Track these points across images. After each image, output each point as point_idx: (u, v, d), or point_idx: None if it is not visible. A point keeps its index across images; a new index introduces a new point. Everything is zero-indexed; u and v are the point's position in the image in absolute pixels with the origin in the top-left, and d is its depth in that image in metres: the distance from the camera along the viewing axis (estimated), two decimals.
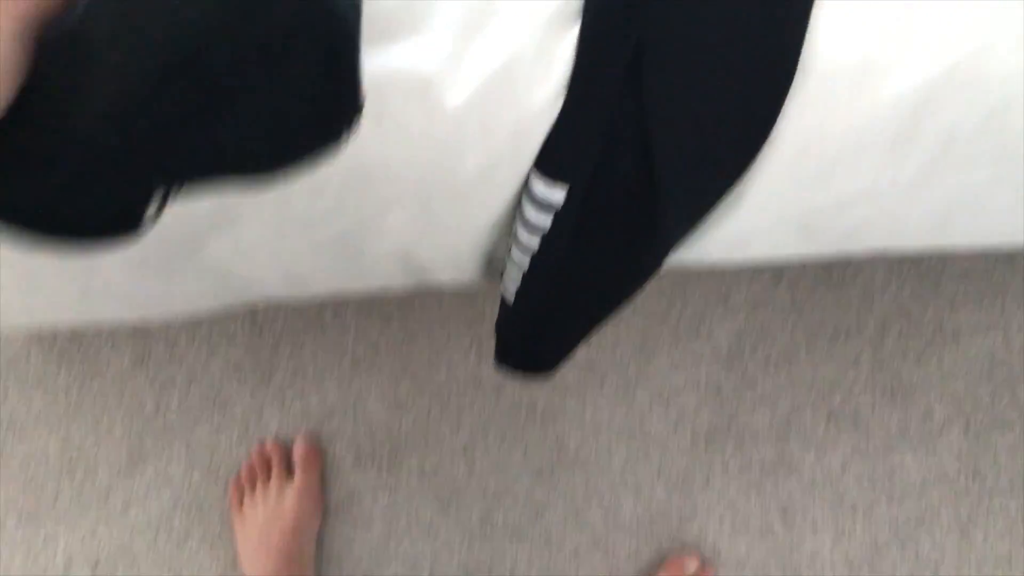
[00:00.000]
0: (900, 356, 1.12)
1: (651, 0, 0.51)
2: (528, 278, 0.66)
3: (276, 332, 1.12)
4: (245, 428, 1.12)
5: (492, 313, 1.08)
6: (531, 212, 0.61)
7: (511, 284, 0.69)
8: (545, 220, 0.61)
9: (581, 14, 0.53)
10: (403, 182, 0.58)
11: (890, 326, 1.12)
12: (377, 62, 0.52)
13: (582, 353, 1.11)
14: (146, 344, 1.13)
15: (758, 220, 0.64)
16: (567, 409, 1.11)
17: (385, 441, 1.12)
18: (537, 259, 0.64)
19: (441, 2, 0.52)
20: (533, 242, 0.63)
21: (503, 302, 0.72)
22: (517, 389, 1.11)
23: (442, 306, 1.12)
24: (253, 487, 1.07)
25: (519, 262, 0.66)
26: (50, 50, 0.32)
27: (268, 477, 1.07)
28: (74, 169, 0.37)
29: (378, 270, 0.72)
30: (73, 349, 1.12)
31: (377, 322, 1.12)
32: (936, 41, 0.53)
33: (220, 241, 0.63)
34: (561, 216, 0.60)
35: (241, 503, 1.07)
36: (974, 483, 1.09)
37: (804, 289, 1.12)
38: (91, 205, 0.40)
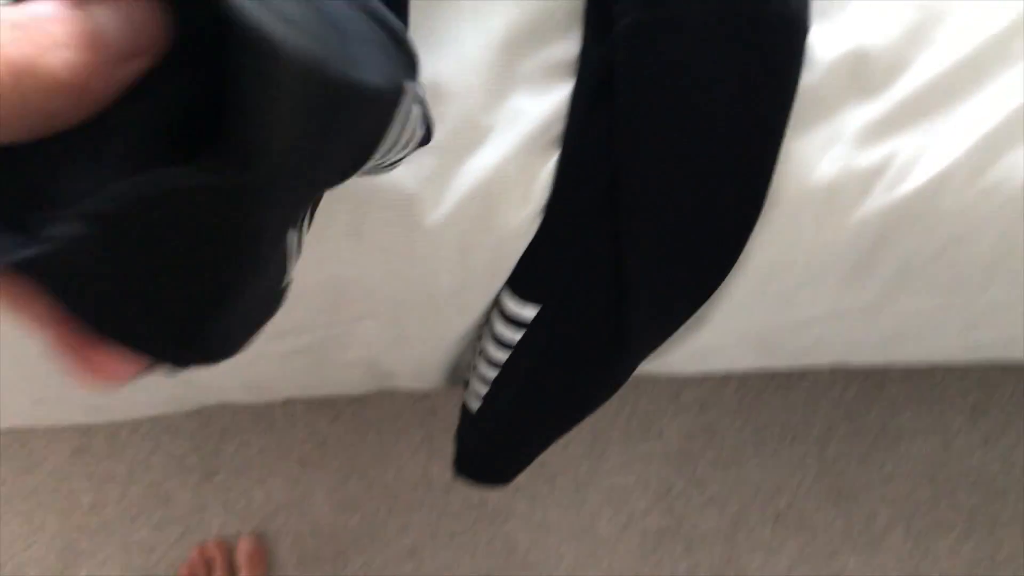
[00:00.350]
0: (844, 458, 1.14)
1: (628, 132, 0.53)
2: (494, 390, 0.66)
3: (222, 427, 1.09)
4: (186, 527, 1.07)
5: (444, 410, 1.08)
6: (501, 328, 0.61)
7: (475, 395, 0.68)
8: (514, 336, 0.61)
9: (561, 141, 0.54)
10: (377, 296, 0.58)
11: (835, 428, 1.14)
12: (359, 181, 0.52)
13: None
14: (86, 437, 1.08)
15: (720, 338, 0.65)
16: (517, 510, 1.10)
17: (331, 541, 1.08)
18: (504, 372, 0.64)
19: None
20: (501, 356, 0.63)
21: (465, 411, 0.72)
22: (467, 489, 1.10)
23: (393, 402, 1.11)
24: None
25: (484, 374, 0.66)
26: None
27: None
28: None
29: (342, 378, 0.71)
30: (7, 442, 1.07)
31: (327, 418, 1.10)
32: (894, 175, 0.56)
33: None
34: (531, 333, 0.61)
35: None
36: None
37: (752, 390, 1.14)
38: None
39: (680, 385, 1.14)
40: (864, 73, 0.55)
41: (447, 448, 1.09)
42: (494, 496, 1.10)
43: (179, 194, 0.25)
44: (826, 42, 0.54)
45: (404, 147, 0.40)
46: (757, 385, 1.14)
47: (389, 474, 1.10)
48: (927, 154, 0.55)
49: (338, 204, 0.52)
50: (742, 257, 0.57)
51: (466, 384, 0.71)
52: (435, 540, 1.09)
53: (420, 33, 0.52)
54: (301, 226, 0.35)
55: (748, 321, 0.64)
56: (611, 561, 1.09)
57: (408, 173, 0.53)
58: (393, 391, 1.10)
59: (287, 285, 0.35)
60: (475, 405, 0.69)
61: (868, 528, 1.12)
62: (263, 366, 0.66)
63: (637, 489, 1.11)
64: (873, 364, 0.75)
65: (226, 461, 1.09)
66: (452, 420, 1.09)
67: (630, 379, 1.11)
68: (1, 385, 0.61)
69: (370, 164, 0.37)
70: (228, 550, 1.06)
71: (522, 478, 1.10)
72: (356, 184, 0.51)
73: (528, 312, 0.60)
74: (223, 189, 0.26)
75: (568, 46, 0.54)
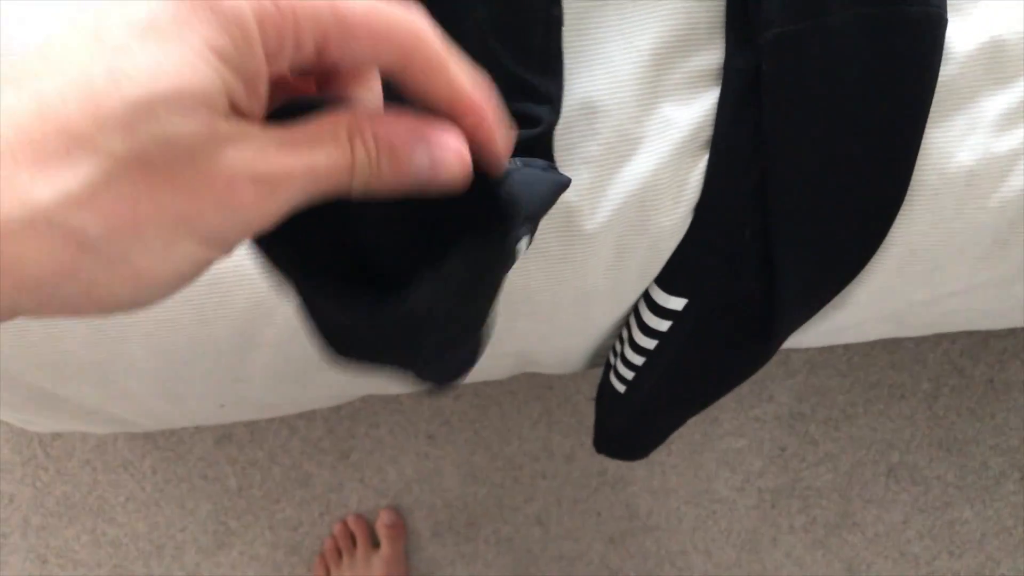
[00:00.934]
0: (953, 412, 1.16)
1: (778, 133, 0.56)
2: (640, 375, 0.70)
3: (353, 410, 1.16)
4: (326, 504, 1.15)
5: (559, 384, 1.13)
6: (650, 317, 0.65)
7: (620, 378, 0.73)
8: (663, 325, 0.65)
9: (709, 146, 0.58)
10: (537, 299, 0.62)
11: (943, 383, 1.16)
12: None
13: None
14: (227, 426, 1.16)
15: (857, 316, 0.68)
16: (637, 475, 1.15)
17: (461, 512, 1.15)
18: (651, 359, 0.68)
19: (584, 142, 0.56)
20: (649, 344, 0.67)
21: (608, 393, 0.76)
22: (587, 457, 1.15)
23: (513, 379, 1.16)
24: (338, 561, 1.11)
25: (631, 360, 0.70)
26: None
27: (353, 551, 1.11)
28: None
29: (491, 368, 0.76)
30: (157, 434, 1.15)
31: (450, 397, 1.16)
32: None
33: None
34: (678, 323, 0.65)
35: None
36: None
37: (860, 350, 1.16)
38: None
39: (788, 349, 1.17)
40: (999, 63, 0.57)
41: (565, 420, 1.15)
42: (614, 464, 1.15)
43: (483, 257, 0.31)
44: (961, 36, 0.56)
45: None
46: (864, 345, 1.16)
47: (512, 446, 1.16)
48: None
49: None
50: (885, 242, 0.60)
51: (608, 367, 0.76)
52: (560, 507, 1.15)
53: (571, 54, 0.56)
54: None
55: (886, 300, 0.66)
56: (730, 520, 1.14)
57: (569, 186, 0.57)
58: None
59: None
60: (621, 388, 0.73)
61: (981, 478, 1.15)
62: None
63: (751, 451, 1.15)
64: (1001, 328, 0.77)
65: (359, 442, 1.16)
66: (567, 394, 1.15)
67: None
68: (191, 395, 0.68)
69: None
70: (368, 524, 1.13)
71: None
72: None
73: (676, 304, 0.64)
74: (505, 250, 0.32)
75: (711, 56, 0.57)
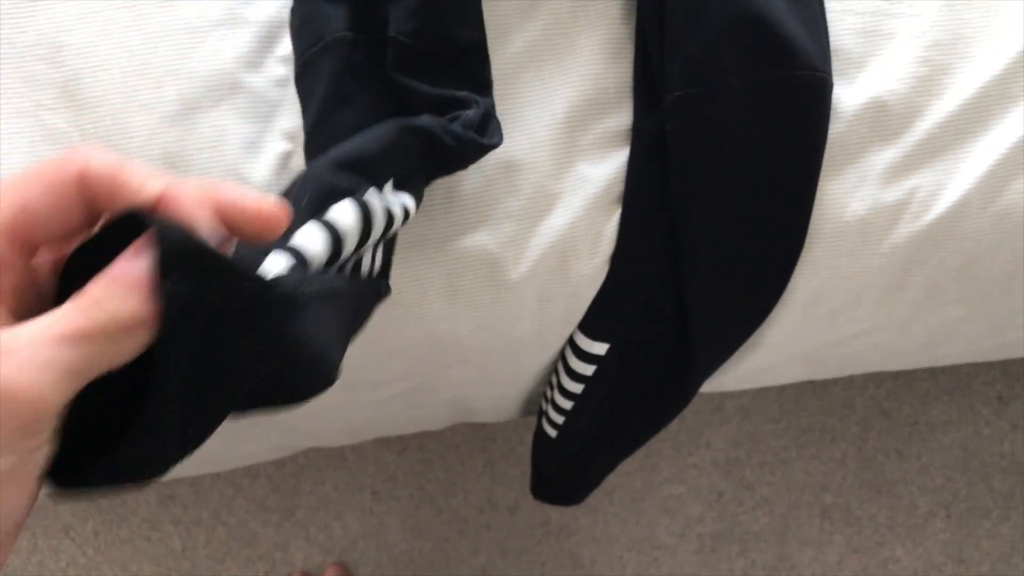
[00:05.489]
0: (882, 453, 1.21)
1: (683, 188, 0.60)
2: (569, 419, 0.74)
3: (298, 467, 1.17)
4: (272, 563, 1.15)
5: (502, 436, 1.15)
6: (575, 362, 0.69)
7: (551, 423, 0.76)
8: (588, 369, 0.69)
9: (622, 200, 0.62)
10: (467, 345, 0.66)
11: (871, 425, 1.21)
12: (452, 247, 0.60)
13: None
14: (171, 486, 1.16)
15: (770, 359, 0.73)
16: (580, 524, 1.17)
17: (407, 567, 1.16)
18: (579, 402, 0.72)
19: (506, 197, 0.60)
20: (576, 387, 0.71)
21: (542, 438, 0.79)
22: (531, 508, 1.17)
23: (455, 432, 1.18)
24: None
25: (560, 404, 0.73)
26: None
27: None
28: None
29: (428, 416, 0.78)
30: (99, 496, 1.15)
31: (393, 452, 1.18)
32: (917, 207, 0.63)
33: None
34: (602, 367, 0.68)
35: None
36: (960, 570, 1.17)
37: (791, 396, 1.21)
38: None
39: (723, 397, 1.21)
40: (883, 121, 0.62)
41: (509, 471, 1.17)
42: (557, 514, 1.17)
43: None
44: (848, 97, 0.62)
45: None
46: (795, 391, 1.21)
47: (457, 500, 1.17)
48: (944, 187, 0.63)
49: (435, 270, 0.60)
50: (787, 287, 0.64)
51: (540, 414, 0.79)
52: (505, 558, 1.16)
53: None
54: None
55: (795, 342, 0.71)
56: (671, 566, 1.16)
57: (492, 239, 0.61)
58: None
59: None
60: (552, 432, 0.76)
61: (910, 517, 1.19)
62: (363, 412, 0.74)
63: (690, 497, 1.18)
64: (909, 368, 0.82)
65: (304, 499, 1.17)
66: (511, 445, 1.17)
67: None
68: None
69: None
70: None
71: None
72: (448, 251, 0.60)
73: (599, 348, 0.67)
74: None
75: (621, 118, 0.62)
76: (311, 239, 0.40)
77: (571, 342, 0.69)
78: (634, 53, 0.62)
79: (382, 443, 1.18)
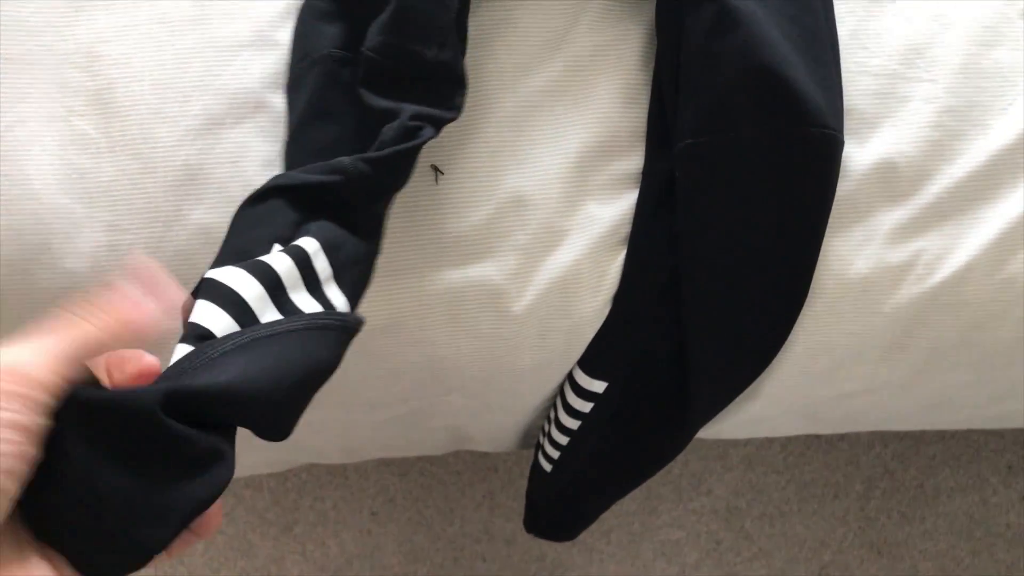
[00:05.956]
0: (885, 514, 1.19)
1: (689, 235, 0.61)
2: (565, 454, 0.74)
3: (300, 482, 1.18)
4: (267, 575, 1.16)
5: (503, 467, 1.15)
6: (573, 399, 0.70)
7: (547, 457, 0.76)
8: (585, 406, 0.69)
9: (628, 242, 0.63)
10: (468, 373, 0.66)
11: (875, 485, 1.20)
12: (457, 275, 0.61)
13: None
14: None
15: (769, 410, 0.73)
16: (575, 562, 1.17)
17: None
18: (575, 439, 0.72)
19: (514, 231, 0.61)
20: (572, 424, 0.71)
21: (537, 472, 0.80)
22: (527, 541, 1.17)
23: (458, 460, 1.19)
24: None
25: (557, 440, 0.74)
26: None
27: None
28: None
29: (426, 441, 0.79)
30: None
31: (395, 474, 1.18)
32: (922, 270, 0.63)
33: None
34: (599, 405, 0.69)
35: None
36: None
37: (796, 449, 1.20)
38: None
39: (727, 445, 1.20)
40: (893, 182, 0.63)
41: (508, 503, 1.17)
42: (553, 550, 1.17)
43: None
44: (860, 156, 0.63)
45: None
46: (800, 444, 1.20)
47: (454, 527, 1.18)
48: (950, 252, 0.63)
49: (438, 296, 0.61)
50: (788, 340, 0.65)
51: (537, 447, 0.79)
52: None
53: (507, 153, 0.62)
54: None
55: (794, 395, 0.71)
56: None
57: (496, 270, 0.62)
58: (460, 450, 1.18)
59: None
60: (548, 467, 0.77)
61: None
62: (361, 432, 0.74)
63: (688, 543, 1.18)
64: (912, 429, 0.82)
65: (303, 514, 1.18)
66: (511, 477, 1.17)
67: None
68: None
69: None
70: None
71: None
72: (453, 279, 0.61)
73: (597, 386, 0.68)
74: None
75: (632, 161, 0.63)
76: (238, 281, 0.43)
77: (570, 378, 0.69)
78: (650, 99, 0.63)
79: (384, 464, 1.18)
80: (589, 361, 0.67)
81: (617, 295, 0.64)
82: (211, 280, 0.43)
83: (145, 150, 0.61)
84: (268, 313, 0.44)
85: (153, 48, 0.62)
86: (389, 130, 0.52)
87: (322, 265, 0.48)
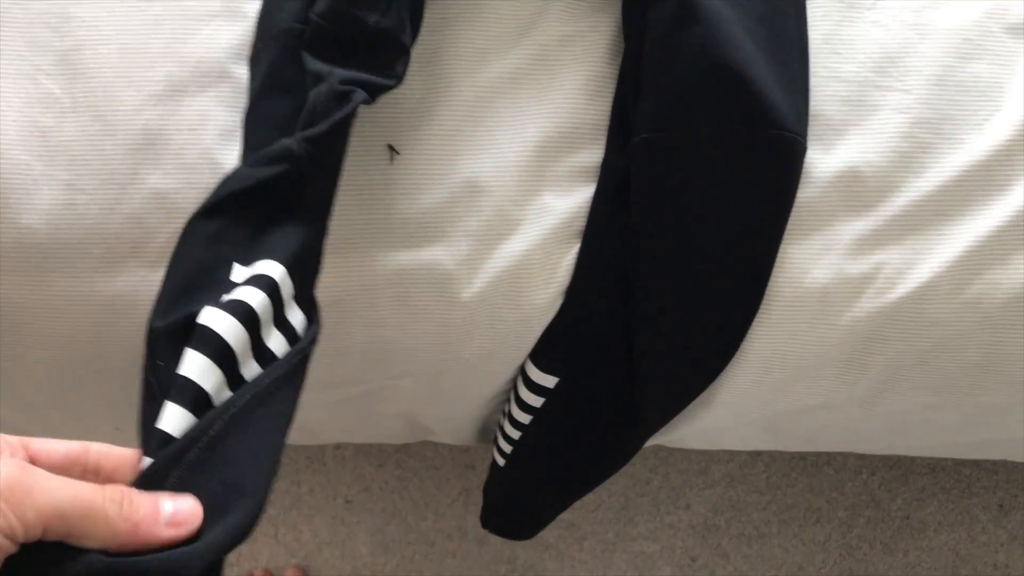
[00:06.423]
0: (867, 544, 1.16)
1: (642, 232, 0.60)
2: (517, 450, 0.73)
3: None
4: (237, 555, 1.16)
5: (481, 465, 1.14)
6: (525, 393, 0.69)
7: (501, 452, 0.76)
8: (537, 401, 0.69)
9: (582, 235, 0.62)
10: (417, 357, 0.66)
11: (859, 513, 1.17)
12: (407, 258, 0.61)
13: (566, 512, 1.16)
14: None
15: (727, 419, 0.71)
16: (546, 567, 1.16)
17: None
18: (526, 434, 0.71)
19: (467, 216, 0.61)
20: (524, 418, 0.70)
21: (493, 466, 0.79)
22: (499, 542, 1.16)
23: (436, 454, 1.18)
24: None
25: (509, 434, 0.73)
26: None
27: None
28: None
29: (384, 427, 0.79)
30: None
31: (373, 464, 1.18)
32: (882, 283, 0.62)
33: None
34: (550, 401, 0.68)
35: None
36: None
37: (779, 470, 1.18)
38: None
39: (709, 460, 1.18)
40: (858, 191, 0.61)
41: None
42: (525, 552, 1.16)
43: None
44: (824, 163, 0.61)
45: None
46: (784, 465, 1.18)
47: (427, 522, 1.17)
48: (913, 267, 0.61)
49: (387, 278, 0.61)
50: (742, 347, 0.63)
51: (494, 441, 0.78)
52: None
53: (464, 138, 0.61)
54: None
55: (752, 405, 0.69)
56: None
57: (447, 255, 0.61)
58: (437, 444, 1.18)
59: None
60: (501, 461, 0.76)
61: None
62: (315, 412, 0.74)
63: (662, 557, 1.16)
64: (881, 453, 0.80)
65: (278, 497, 1.18)
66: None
67: (661, 451, 1.17)
68: (88, 412, 0.71)
69: None
70: None
71: (552, 537, 1.16)
72: (402, 261, 0.61)
73: (548, 381, 0.67)
74: None
75: (593, 154, 0.62)
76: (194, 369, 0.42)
77: (522, 371, 0.69)
78: (615, 93, 0.63)
79: (362, 453, 1.18)
80: (540, 355, 0.66)
81: (569, 289, 0.63)
82: (204, 328, 0.43)
83: (107, 112, 0.61)
84: (248, 364, 0.45)
85: (124, 12, 0.62)
86: (318, 95, 0.52)
87: (287, 287, 0.48)
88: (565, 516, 1.16)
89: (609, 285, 0.62)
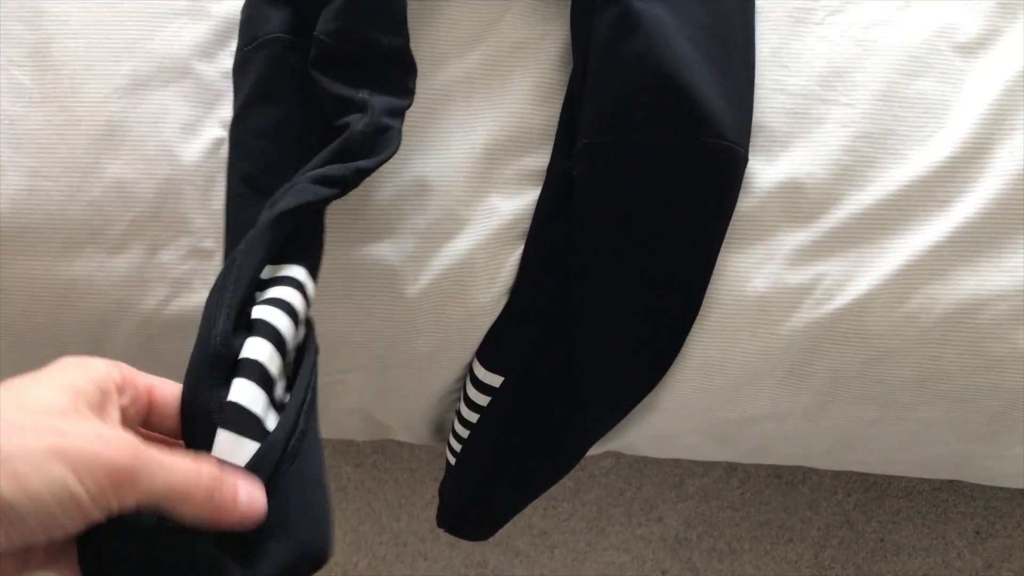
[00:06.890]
0: (840, 565, 1.16)
1: (581, 236, 0.61)
2: (465, 449, 0.74)
3: None
4: None
5: None
6: (472, 391, 0.70)
7: (452, 451, 0.77)
8: (483, 400, 0.70)
9: (526, 237, 0.63)
10: (364, 352, 0.67)
11: (833, 534, 1.17)
12: (352, 253, 0.62)
13: (537, 519, 1.17)
14: None
15: (674, 426, 0.72)
16: (516, 573, 1.16)
17: None
18: (474, 433, 0.72)
19: (414, 214, 0.62)
20: (472, 416, 0.71)
21: (447, 465, 0.80)
22: (471, 547, 1.16)
23: (413, 455, 1.19)
24: None
25: (459, 433, 0.74)
26: None
27: None
28: None
29: (343, 423, 0.80)
30: None
31: (350, 464, 1.19)
32: (822, 294, 0.62)
33: None
34: (496, 400, 0.69)
35: None
36: None
37: (754, 487, 1.18)
38: None
39: (684, 473, 1.18)
40: (799, 203, 0.62)
41: None
42: (495, 558, 1.16)
43: None
44: (767, 174, 0.62)
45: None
46: (759, 482, 1.18)
47: (400, 523, 1.18)
48: (852, 279, 0.62)
49: (334, 272, 0.62)
50: (682, 353, 0.64)
51: (447, 441, 0.79)
52: None
53: (414, 138, 0.63)
54: None
55: (697, 412, 0.70)
56: None
57: (393, 251, 0.63)
58: (414, 446, 1.19)
59: None
60: (452, 460, 0.77)
61: None
62: None
63: (632, 568, 1.16)
64: (833, 468, 0.80)
65: None
66: None
67: (636, 462, 1.18)
68: None
69: None
70: None
71: (523, 544, 1.17)
72: (349, 256, 0.62)
73: (494, 380, 0.68)
74: None
75: (540, 158, 0.64)
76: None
77: (470, 370, 0.70)
78: (564, 99, 0.64)
79: (340, 452, 1.20)
80: (486, 353, 0.67)
81: (513, 289, 0.64)
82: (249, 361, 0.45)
83: (72, 104, 0.63)
84: (279, 385, 0.48)
85: (94, 8, 0.64)
86: (362, 126, 0.54)
87: (301, 307, 0.51)
88: (537, 523, 1.16)
89: (552, 286, 0.63)
